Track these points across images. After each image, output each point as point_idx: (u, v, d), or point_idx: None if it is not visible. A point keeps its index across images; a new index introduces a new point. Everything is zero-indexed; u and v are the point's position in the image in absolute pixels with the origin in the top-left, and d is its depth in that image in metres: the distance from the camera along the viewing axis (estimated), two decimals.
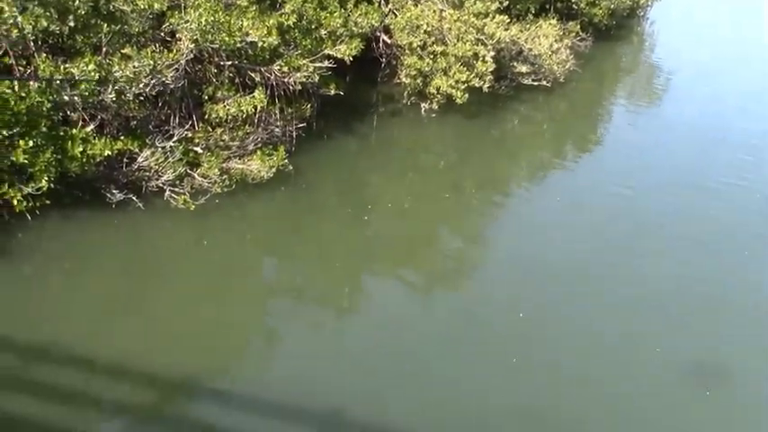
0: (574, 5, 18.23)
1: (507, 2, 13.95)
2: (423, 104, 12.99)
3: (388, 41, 12.71)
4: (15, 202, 7.40)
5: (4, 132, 7.12)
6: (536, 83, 14.72)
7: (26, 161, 7.21)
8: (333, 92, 10.85)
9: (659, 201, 11.42)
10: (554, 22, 16.33)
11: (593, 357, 7.66)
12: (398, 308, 8.19)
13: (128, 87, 8.07)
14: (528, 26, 15.25)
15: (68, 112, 8.18)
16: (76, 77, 7.58)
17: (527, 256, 9.50)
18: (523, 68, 14.33)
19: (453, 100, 12.46)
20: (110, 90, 7.96)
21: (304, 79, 9.86)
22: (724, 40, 22.32)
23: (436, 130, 13.06)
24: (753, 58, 20.71)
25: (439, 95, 12.58)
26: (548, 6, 17.14)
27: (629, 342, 7.96)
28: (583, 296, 8.76)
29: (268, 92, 9.77)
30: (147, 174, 8.56)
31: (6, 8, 7.14)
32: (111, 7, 8.13)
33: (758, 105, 16.90)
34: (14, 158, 7.18)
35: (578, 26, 18.04)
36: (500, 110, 14.12)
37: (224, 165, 9.16)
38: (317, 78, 10.01)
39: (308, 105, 10.78)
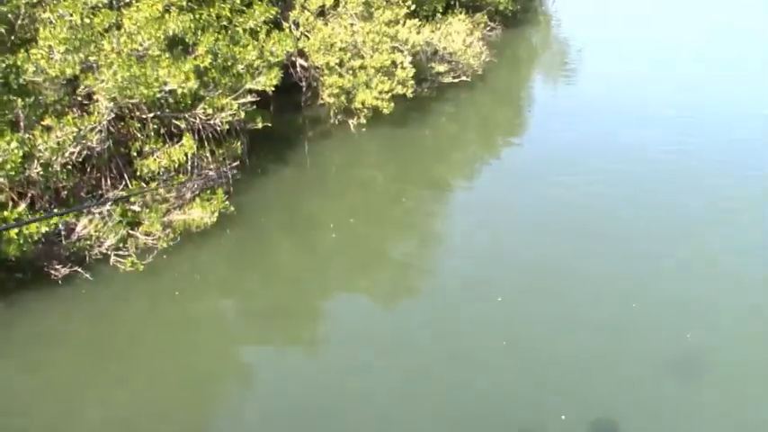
0: None
1: (414, 5, 14.05)
2: (350, 121, 12.97)
3: (305, 65, 12.64)
4: None
5: None
6: (456, 80, 14.93)
7: None
8: (260, 125, 10.75)
9: (596, 174, 11.70)
10: (462, 16, 16.59)
11: (572, 339, 7.76)
12: (364, 324, 8.19)
13: (54, 158, 7.84)
14: (438, 25, 15.45)
15: None
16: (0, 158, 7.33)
17: (481, 246, 9.70)
18: (441, 68, 14.51)
19: (380, 111, 12.49)
20: (35, 165, 7.73)
21: (230, 118, 9.72)
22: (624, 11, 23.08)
23: (368, 143, 13.07)
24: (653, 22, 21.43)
25: (365, 109, 12.58)
26: (452, 2, 17.36)
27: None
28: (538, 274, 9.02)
29: (196, 137, 9.61)
30: (89, 242, 8.31)
31: None
32: (22, 80, 7.86)
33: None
34: None
35: (485, 17, 18.36)
36: (427, 113, 14.24)
37: (165, 218, 8.97)
38: (242, 115, 9.88)
39: (238, 143, 10.65)
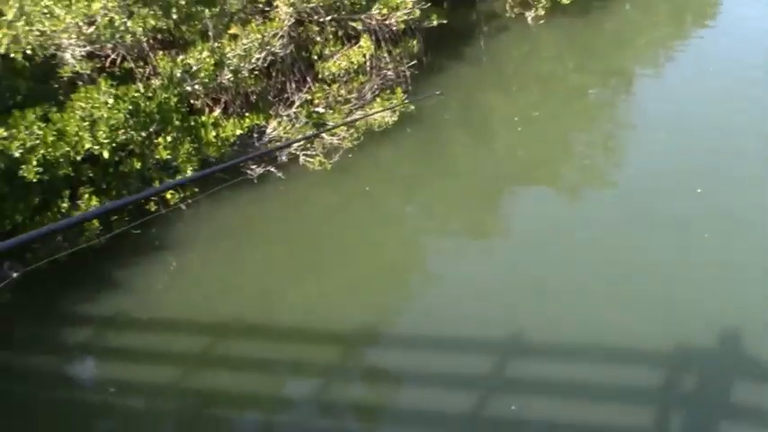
0: None
1: None
2: (527, 13, 12.54)
3: None
4: (168, 196, 7.78)
5: (143, 134, 7.43)
6: None
7: (169, 156, 7.55)
8: (435, 22, 10.67)
9: None
10: None
11: None
12: (548, 217, 8.07)
13: (242, 65, 8.26)
14: None
15: (192, 102, 8.48)
16: (194, 67, 7.82)
17: (673, 135, 9.19)
18: None
19: (558, 1, 11.98)
20: (226, 72, 8.18)
21: (405, 17, 9.73)
22: None
23: (546, 36, 12.62)
24: None
25: (543, 0, 12.12)
26: None
27: None
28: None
29: (373, 38, 9.73)
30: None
31: (116, 17, 7.41)
32: None
33: None
34: (158, 156, 7.53)
35: None
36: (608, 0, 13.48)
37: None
38: (417, 13, 9.85)
39: (414, 42, 10.65)
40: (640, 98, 10.89)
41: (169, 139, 7.57)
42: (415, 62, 10.71)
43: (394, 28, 9.96)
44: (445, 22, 10.87)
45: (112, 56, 8.17)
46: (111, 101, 7.16)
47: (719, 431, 5.44)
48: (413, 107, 9.70)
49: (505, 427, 5.61)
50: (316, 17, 9.47)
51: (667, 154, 8.92)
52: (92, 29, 7.40)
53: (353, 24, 9.67)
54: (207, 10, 8.23)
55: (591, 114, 10.51)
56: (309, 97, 9.26)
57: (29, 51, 7.34)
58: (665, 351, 5.99)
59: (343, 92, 9.49)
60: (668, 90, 10.87)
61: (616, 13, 13.38)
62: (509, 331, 6.43)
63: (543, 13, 12.34)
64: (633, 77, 11.56)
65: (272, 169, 8.67)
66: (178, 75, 7.85)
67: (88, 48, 7.59)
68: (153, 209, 7.72)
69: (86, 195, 7.12)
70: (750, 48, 11.59)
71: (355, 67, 9.49)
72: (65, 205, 6.86)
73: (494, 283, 7.09)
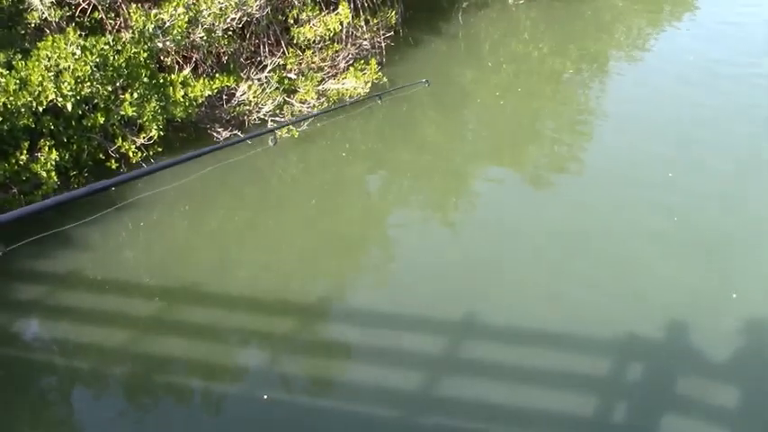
0: None
1: None
2: None
3: None
4: (131, 154, 7.64)
5: (109, 88, 7.27)
6: None
7: (134, 113, 7.39)
8: None
9: None
10: None
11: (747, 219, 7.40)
12: (510, 204, 8.11)
13: (216, 24, 8.09)
14: None
15: (162, 58, 8.31)
16: (167, 23, 7.65)
17: (644, 123, 9.32)
18: None
19: None
20: (199, 30, 8.02)
21: None
22: None
23: (525, 17, 12.61)
24: None
25: None
26: None
27: None
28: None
29: (351, 5, 9.61)
30: (248, 108, 8.63)
31: None
32: None
33: None
34: (123, 112, 7.37)
35: None
36: None
37: (319, 87, 9.15)
38: None
39: (393, 13, 10.54)
40: (614, 84, 10.95)
41: (136, 95, 7.40)
42: (391, 33, 10.62)
43: None
44: None
45: (83, 4, 7.95)
46: (78, 52, 6.97)
47: (663, 418, 5.55)
48: (385, 79, 9.64)
49: (452, 405, 5.65)
50: None
51: (638, 140, 9.05)
52: None
53: None
54: None
55: (564, 97, 10.54)
56: (282, 62, 9.14)
57: None
58: (619, 339, 6.07)
59: (316, 59, 9.38)
60: (643, 77, 10.94)
61: None
62: (464, 310, 6.45)
63: None
64: (609, 63, 11.60)
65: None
66: (150, 29, 7.65)
67: None
68: (114, 166, 7.60)
69: (46, 148, 6.96)
70: (725, 41, 11.69)
71: (331, 34, 9.36)
72: (23, 157, 6.69)
73: (452, 261, 7.10)
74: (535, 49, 11.97)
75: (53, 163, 6.93)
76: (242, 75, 8.68)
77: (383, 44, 10.40)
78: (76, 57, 6.97)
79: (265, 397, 5.67)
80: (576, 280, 6.78)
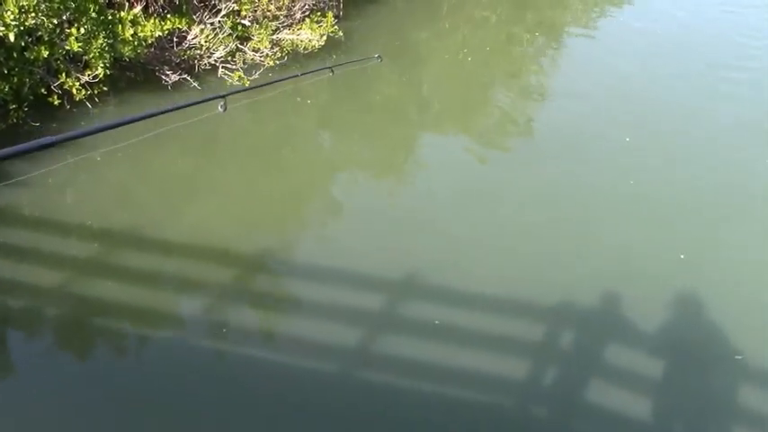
0: None
1: None
2: None
3: None
4: (75, 91, 7.42)
5: (54, 21, 7.02)
6: None
7: (80, 49, 7.16)
8: None
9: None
10: None
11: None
12: (458, 167, 8.15)
13: None
14: None
15: None
16: None
17: (591, 98, 9.40)
18: None
19: None
20: None
21: None
22: None
23: None
24: None
25: None
26: None
27: None
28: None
29: None
30: (199, 52, 8.45)
31: None
32: None
33: None
34: (68, 47, 7.13)
35: None
36: None
37: (274, 37, 8.99)
38: None
39: None
40: (568, 53, 11.06)
41: (82, 30, 7.17)
42: None
43: None
44: None
45: None
46: None
47: (591, 387, 5.70)
48: (341, 33, 9.53)
49: (389, 362, 5.71)
50: None
51: (591, 107, 9.26)
52: None
53: None
54: None
55: (518, 63, 10.58)
56: (237, 8, 8.93)
57: None
58: (558, 302, 6.20)
59: (272, 7, 9.20)
60: (598, 47, 11.08)
61: None
62: (404, 269, 6.49)
63: None
64: (564, 33, 11.69)
65: (188, 78, 8.39)
66: None
67: None
68: (56, 102, 7.38)
69: None
70: (680, 16, 11.91)
71: None
72: None
73: (394, 222, 7.12)
74: (493, 15, 11.97)
75: None
76: (194, 18, 8.48)
77: None
78: None
79: (200, 345, 5.65)
80: (522, 242, 6.85)
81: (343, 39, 9.56)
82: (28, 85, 7.27)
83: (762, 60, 11.10)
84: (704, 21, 12.79)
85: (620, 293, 6.32)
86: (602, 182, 7.79)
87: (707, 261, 6.75)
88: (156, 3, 8.32)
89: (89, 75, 7.45)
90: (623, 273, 6.52)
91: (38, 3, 6.77)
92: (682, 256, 6.71)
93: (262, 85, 5.65)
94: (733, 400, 5.49)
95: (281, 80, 5.84)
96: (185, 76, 8.39)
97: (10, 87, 7.02)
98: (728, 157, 8.39)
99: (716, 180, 7.95)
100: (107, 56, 7.40)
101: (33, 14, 6.79)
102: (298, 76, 6.30)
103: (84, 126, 7.69)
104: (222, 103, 4.53)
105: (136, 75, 8.38)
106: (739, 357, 5.73)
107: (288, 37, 9.12)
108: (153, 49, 8.20)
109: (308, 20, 9.31)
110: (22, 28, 6.77)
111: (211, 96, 4.55)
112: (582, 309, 6.19)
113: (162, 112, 4.01)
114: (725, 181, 7.95)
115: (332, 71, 7.02)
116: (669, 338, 5.96)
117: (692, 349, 5.95)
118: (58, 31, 7.14)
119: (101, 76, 7.46)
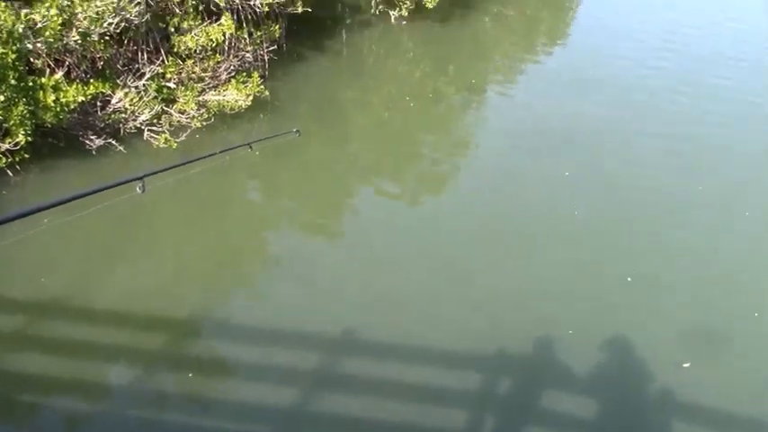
0: None
1: None
2: (391, 12, 12.71)
3: None
4: None
5: None
6: None
7: (0, 117, 7.04)
8: (300, 9, 10.58)
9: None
10: None
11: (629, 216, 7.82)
12: (390, 216, 8.26)
13: (92, 28, 7.81)
14: None
15: (32, 60, 7.95)
16: (39, 24, 7.33)
17: (508, 155, 9.64)
18: None
19: (423, 4, 12.21)
20: (74, 33, 7.72)
21: (270, 0, 9.61)
22: None
23: (408, 37, 12.87)
24: None
25: (408, 1, 12.30)
26: None
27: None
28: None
29: (235, 17, 9.51)
30: (124, 116, 8.38)
31: None
32: None
33: None
34: None
35: None
36: (471, 10, 13.93)
37: (200, 98, 8.99)
38: None
39: (276, 26, 10.52)
40: (492, 104, 11.37)
41: (2, 98, 7.03)
42: (275, 47, 10.59)
43: (258, 9, 9.81)
44: (310, 10, 10.80)
45: None
46: None
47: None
48: (267, 92, 9.60)
49: (323, 419, 5.67)
50: None
51: (517, 150, 9.59)
52: None
53: (216, 0, 9.40)
54: None
55: (443, 116, 10.82)
56: (162, 71, 8.92)
57: None
58: (487, 355, 6.27)
59: (197, 69, 9.22)
60: (518, 103, 11.40)
61: (475, 24, 13.88)
62: (335, 324, 6.48)
63: (407, 13, 12.55)
64: (484, 88, 12.01)
65: (113, 142, 8.30)
66: (20, 30, 7.29)
67: None
68: None
69: None
70: (593, 64, 12.41)
71: (213, 44, 9.23)
72: None
73: (325, 279, 7.14)
74: (416, 70, 12.25)
75: None
76: (118, 81, 8.42)
77: (266, 57, 10.35)
78: None
79: (132, 416, 5.51)
80: (459, 289, 7.02)
81: (269, 98, 9.62)
82: None
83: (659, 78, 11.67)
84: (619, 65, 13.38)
85: (551, 336, 6.46)
86: (540, 215, 8.06)
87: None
88: (79, 68, 8.24)
89: (9, 142, 7.29)
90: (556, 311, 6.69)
91: None
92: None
93: (181, 164, 5.57)
94: None
95: (200, 158, 5.78)
96: (110, 140, 8.30)
97: None
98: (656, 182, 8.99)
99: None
100: (28, 123, 7.27)
101: None
102: (216, 153, 6.23)
103: (5, 194, 7.54)
104: (140, 184, 4.35)
105: (59, 140, 8.24)
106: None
107: (214, 98, 9.13)
108: (76, 115, 8.09)
109: (233, 80, 9.36)
110: None
111: (129, 178, 4.42)
112: (514, 359, 6.29)
113: (74, 198, 3.81)
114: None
115: (250, 147, 6.95)
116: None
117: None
118: None
119: (22, 143, 7.31)
